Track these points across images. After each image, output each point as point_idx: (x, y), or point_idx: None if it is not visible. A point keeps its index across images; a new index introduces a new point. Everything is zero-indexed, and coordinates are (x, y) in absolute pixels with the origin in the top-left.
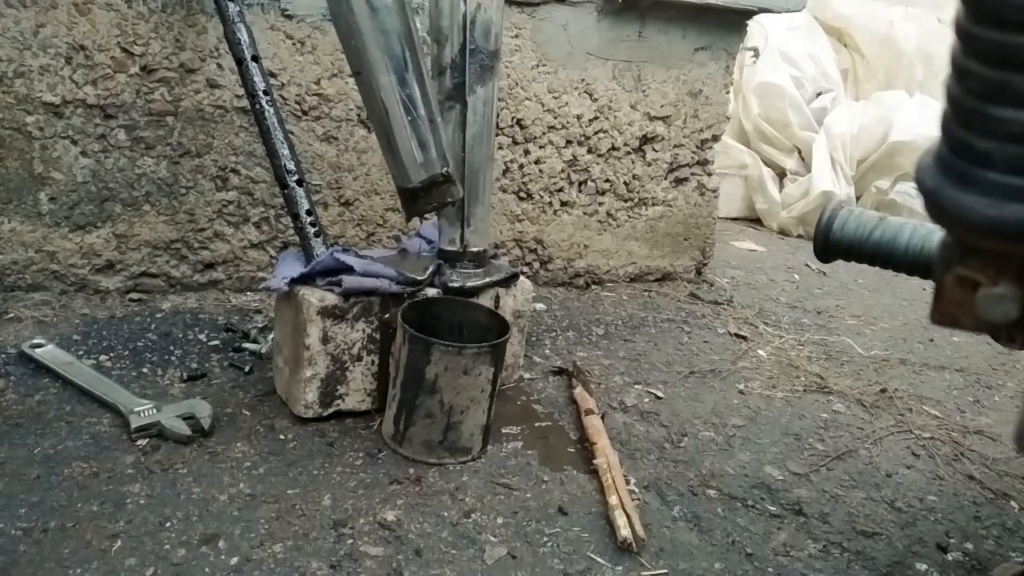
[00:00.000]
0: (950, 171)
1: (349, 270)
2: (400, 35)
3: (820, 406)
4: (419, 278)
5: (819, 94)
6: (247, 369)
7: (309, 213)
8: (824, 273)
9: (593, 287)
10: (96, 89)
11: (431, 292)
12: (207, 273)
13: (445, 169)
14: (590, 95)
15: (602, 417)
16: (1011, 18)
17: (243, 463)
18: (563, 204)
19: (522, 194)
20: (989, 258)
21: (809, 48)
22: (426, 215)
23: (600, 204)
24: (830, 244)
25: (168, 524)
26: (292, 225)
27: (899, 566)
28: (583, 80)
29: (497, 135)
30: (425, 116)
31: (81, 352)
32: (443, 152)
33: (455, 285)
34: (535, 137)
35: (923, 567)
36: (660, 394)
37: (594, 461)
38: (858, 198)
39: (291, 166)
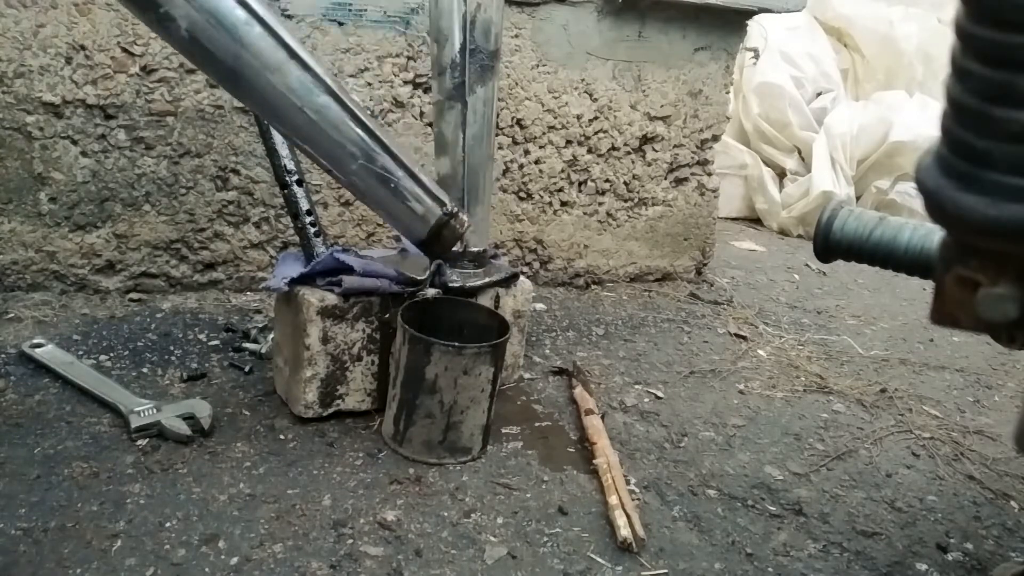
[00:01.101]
0: (950, 171)
1: (349, 270)
2: (348, 118)
3: (820, 406)
4: (419, 278)
5: (819, 94)
6: (247, 369)
7: (309, 213)
8: (824, 273)
9: (593, 287)
10: (96, 89)
11: (431, 292)
12: (207, 273)
13: (444, 209)
14: (590, 95)
15: (602, 417)
16: (1011, 18)
17: (243, 463)
18: (563, 204)
19: (522, 194)
20: (989, 258)
21: (809, 48)
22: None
23: (600, 204)
24: (830, 244)
25: (168, 524)
26: (292, 225)
27: (899, 566)
28: (583, 80)
29: (497, 135)
30: (404, 175)
31: (81, 352)
32: (434, 194)
33: (455, 285)
34: (535, 137)
35: (923, 567)
36: (660, 394)
37: (594, 461)
38: (858, 198)
39: (291, 166)
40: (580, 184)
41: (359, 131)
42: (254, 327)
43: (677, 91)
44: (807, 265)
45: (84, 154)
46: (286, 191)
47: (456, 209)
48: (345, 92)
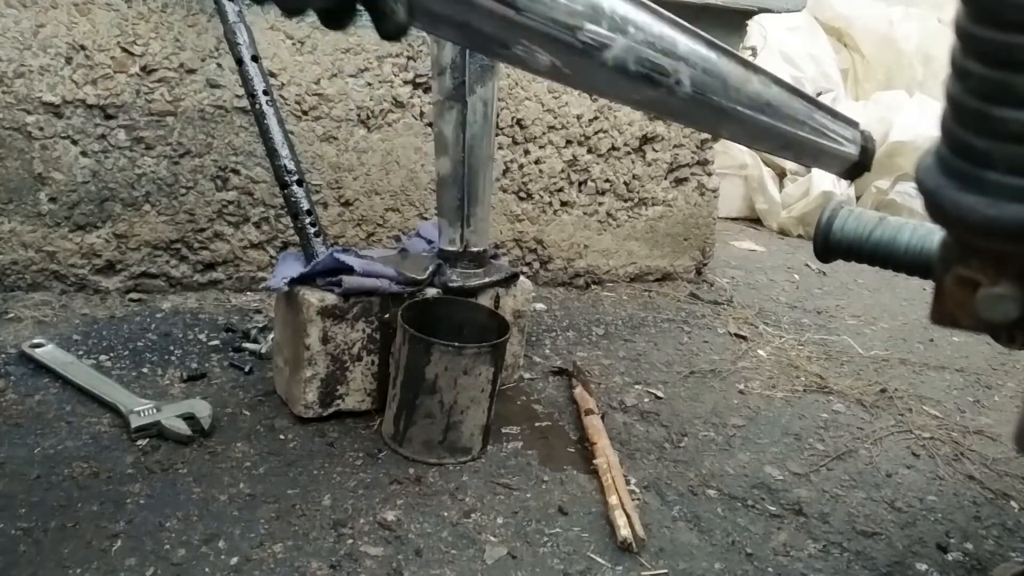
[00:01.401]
0: (950, 171)
1: (349, 270)
2: (790, 95)
3: (820, 406)
4: (419, 278)
5: (819, 94)
6: (247, 369)
7: (309, 213)
8: (824, 273)
9: (593, 287)
10: (96, 89)
11: (431, 292)
12: (207, 273)
13: (858, 127)
14: (590, 95)
15: (602, 417)
16: (1011, 18)
17: (243, 463)
18: (563, 204)
19: (522, 194)
20: (989, 258)
21: (809, 48)
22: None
23: (600, 204)
24: (830, 244)
25: (168, 524)
26: (292, 225)
27: (899, 566)
28: None
29: (497, 135)
30: (822, 114)
31: (81, 352)
32: (845, 117)
33: (455, 285)
34: (535, 137)
35: (923, 567)
36: (660, 394)
37: (594, 461)
38: (858, 198)
39: (291, 166)
40: (580, 184)
41: (799, 101)
42: (254, 327)
43: None
44: (807, 265)
45: (84, 154)
46: (286, 191)
47: (867, 133)
48: (768, 71)
